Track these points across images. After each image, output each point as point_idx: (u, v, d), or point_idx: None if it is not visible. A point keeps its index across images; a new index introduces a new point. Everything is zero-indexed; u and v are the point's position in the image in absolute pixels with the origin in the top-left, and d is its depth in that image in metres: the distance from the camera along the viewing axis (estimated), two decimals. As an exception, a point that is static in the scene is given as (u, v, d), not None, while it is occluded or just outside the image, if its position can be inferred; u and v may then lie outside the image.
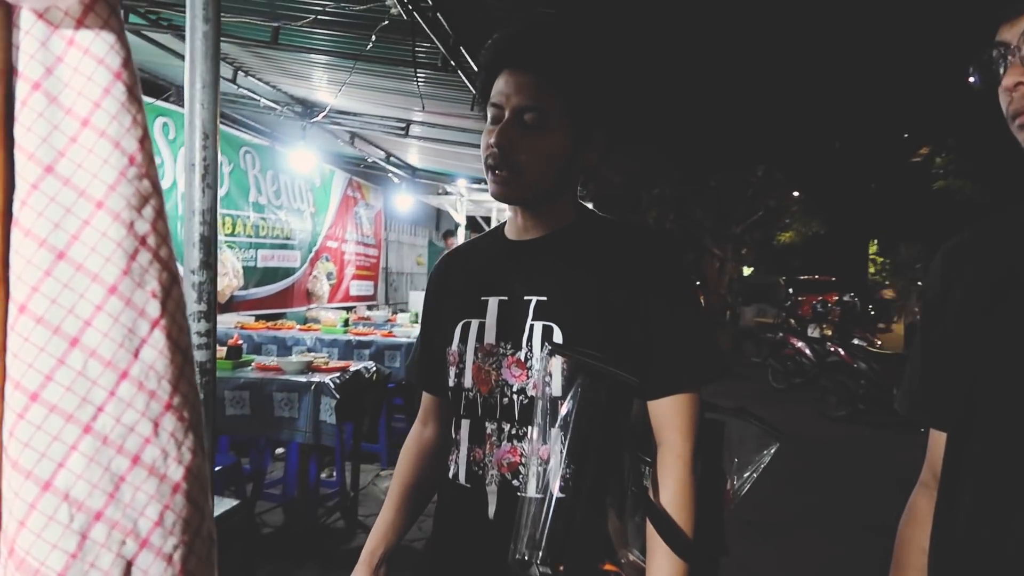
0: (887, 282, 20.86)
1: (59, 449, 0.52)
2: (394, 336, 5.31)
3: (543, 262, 1.23)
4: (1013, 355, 0.88)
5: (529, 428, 1.19)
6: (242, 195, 6.14)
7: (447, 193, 9.51)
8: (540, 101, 1.16)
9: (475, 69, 3.65)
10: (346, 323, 5.65)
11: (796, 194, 24.29)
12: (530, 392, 1.19)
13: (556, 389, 1.16)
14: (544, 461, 1.15)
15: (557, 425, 1.15)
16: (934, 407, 1.02)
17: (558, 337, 1.17)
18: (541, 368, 1.17)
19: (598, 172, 1.32)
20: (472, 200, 9.70)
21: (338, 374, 3.56)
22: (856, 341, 8.80)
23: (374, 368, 3.98)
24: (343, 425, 3.57)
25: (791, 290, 19.12)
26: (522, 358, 1.20)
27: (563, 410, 1.14)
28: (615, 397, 1.12)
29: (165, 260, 0.57)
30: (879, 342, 9.61)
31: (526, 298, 1.21)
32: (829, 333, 9.68)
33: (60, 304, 0.52)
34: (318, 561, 3.47)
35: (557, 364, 1.16)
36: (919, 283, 13.86)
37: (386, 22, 2.84)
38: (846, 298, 11.53)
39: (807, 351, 9.43)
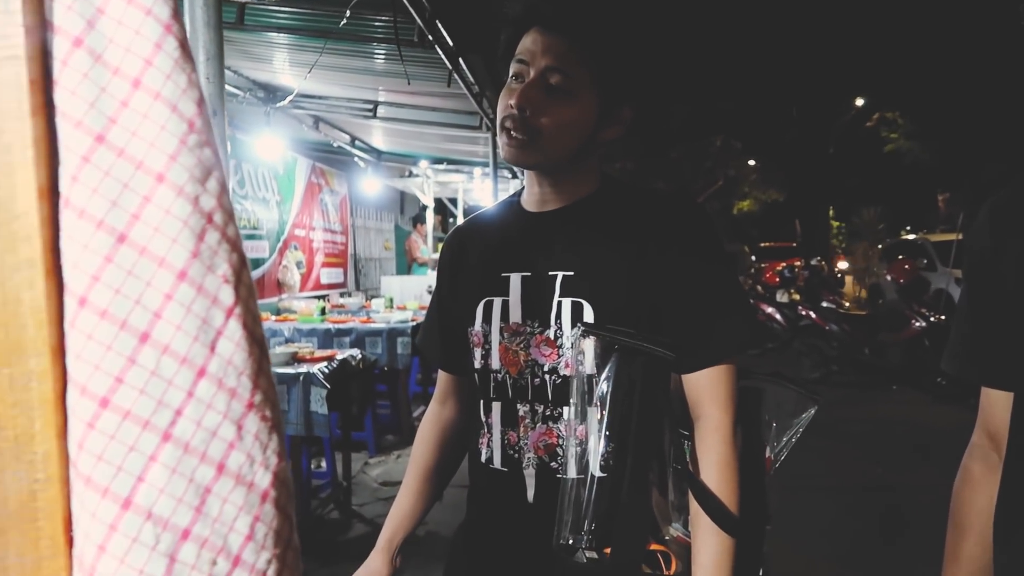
0: (842, 247, 21.25)
1: (137, 461, 0.45)
2: (373, 322, 5.23)
3: (566, 234, 1.18)
4: None
5: (564, 408, 1.14)
6: (206, 186, 5.94)
7: (413, 175, 9.38)
8: (570, 66, 1.10)
9: (451, 44, 3.57)
10: (323, 311, 5.53)
11: (752, 163, 24.55)
12: (562, 371, 1.14)
13: (590, 367, 1.11)
14: (582, 441, 1.10)
15: (593, 404, 1.10)
16: (993, 365, 0.99)
17: (588, 313, 1.12)
18: (573, 347, 1.12)
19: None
20: (438, 181, 9.59)
21: (325, 364, 3.47)
22: (825, 304, 8.93)
23: (360, 356, 3.91)
24: (330, 414, 3.50)
25: (753, 257, 19.38)
26: (551, 336, 1.15)
27: (599, 388, 1.09)
28: (651, 372, 1.08)
29: (233, 240, 0.50)
30: (847, 303, 9.75)
31: (551, 273, 1.16)
32: (797, 298, 9.81)
33: (125, 294, 0.45)
34: (315, 553, 3.40)
35: (590, 342, 1.11)
36: (879, 246, 14.12)
37: (362, -5, 2.74)
38: (813, 262, 11.69)
39: (778, 316, 9.53)
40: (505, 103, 1.13)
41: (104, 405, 0.44)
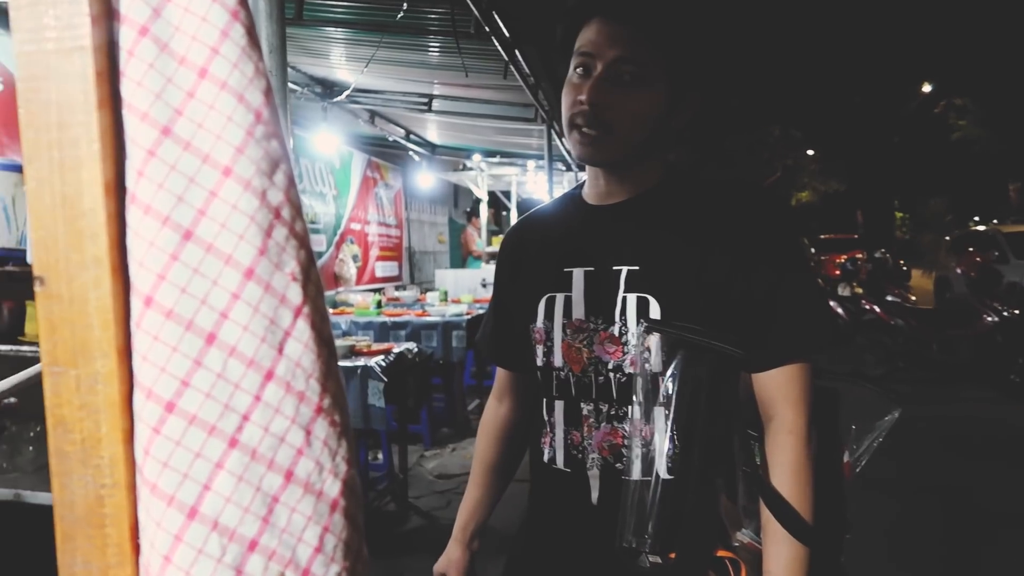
0: (908, 237, 20.55)
1: (203, 468, 0.43)
2: (428, 316, 5.24)
3: (631, 228, 1.13)
4: None
5: (629, 408, 1.10)
6: (265, 181, 6.05)
7: (467, 169, 9.40)
8: (640, 55, 1.05)
9: (507, 36, 3.54)
10: (379, 305, 5.57)
11: (811, 153, 23.93)
12: (627, 369, 1.10)
13: (656, 365, 1.06)
14: (647, 442, 1.06)
15: (659, 403, 1.06)
16: None
17: (655, 309, 1.08)
18: (638, 344, 1.08)
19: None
20: (492, 174, 9.59)
21: (382, 357, 3.49)
22: (890, 298, 8.64)
23: (416, 349, 3.92)
24: (388, 407, 3.52)
25: (813, 250, 18.89)
26: (616, 333, 1.11)
27: (665, 387, 1.05)
28: (720, 371, 1.03)
29: (301, 236, 0.47)
30: (913, 298, 9.42)
31: (615, 268, 1.11)
32: (860, 291, 9.52)
33: (191, 294, 0.43)
34: (372, 545, 3.41)
35: (655, 339, 1.07)
36: (947, 237, 13.60)
37: (419, -13, 2.73)
38: (877, 254, 11.33)
39: (839, 310, 9.26)
40: (573, 99, 1.09)
41: (170, 409, 0.42)
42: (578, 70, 1.10)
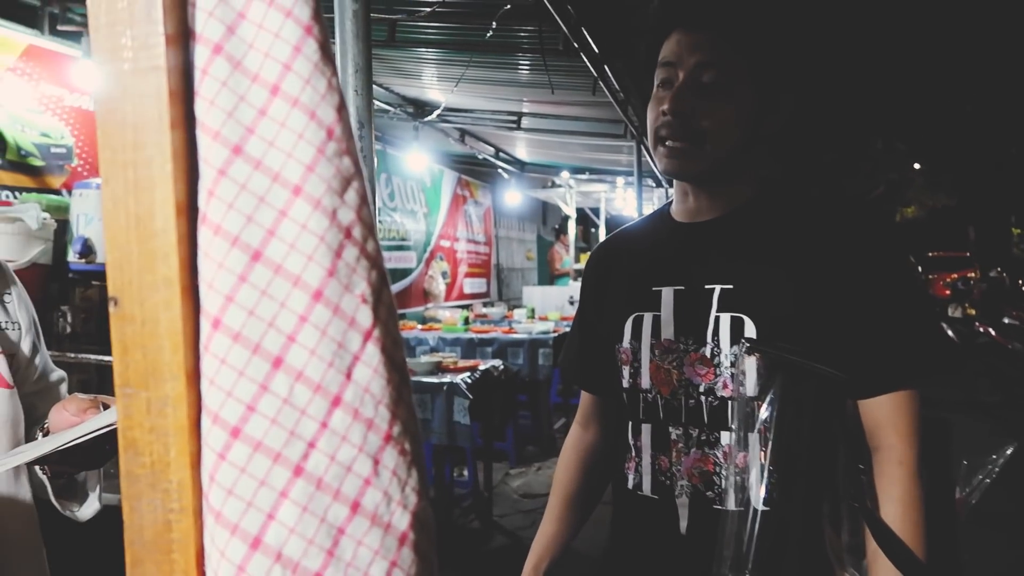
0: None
1: (267, 497, 0.41)
2: (515, 333, 5.24)
3: (725, 245, 1.08)
4: None
5: (721, 433, 1.05)
6: (358, 199, 6.23)
7: (555, 186, 9.40)
8: (721, 59, 1.01)
9: (596, 51, 3.52)
10: (466, 321, 5.62)
11: (917, 166, 22.81)
12: (720, 392, 1.05)
13: (752, 389, 1.01)
14: (743, 470, 1.01)
15: (756, 429, 1.01)
16: None
17: (750, 330, 1.03)
18: (736, 366, 1.03)
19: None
20: (580, 191, 9.56)
21: (468, 374, 3.50)
22: (1007, 320, 8.11)
23: (502, 367, 3.92)
24: (473, 424, 3.52)
25: (920, 268, 17.95)
26: (707, 354, 1.06)
27: (762, 413, 0.99)
28: (823, 396, 0.97)
29: (373, 256, 0.46)
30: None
31: (707, 287, 1.07)
32: (973, 313, 8.97)
33: (259, 316, 0.42)
34: (455, 563, 3.42)
35: (752, 361, 1.01)
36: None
37: (508, 6, 2.74)
38: (992, 274, 10.67)
39: (950, 333, 8.76)
40: (656, 111, 1.06)
41: (235, 435, 0.41)
42: (661, 83, 1.07)
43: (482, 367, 3.71)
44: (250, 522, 0.41)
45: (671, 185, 1.22)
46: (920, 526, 0.96)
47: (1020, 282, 11.31)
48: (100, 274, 2.84)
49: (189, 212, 0.44)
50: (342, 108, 0.46)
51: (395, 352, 0.46)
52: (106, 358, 2.24)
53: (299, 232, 0.43)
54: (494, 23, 3.03)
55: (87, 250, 2.84)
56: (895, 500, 0.97)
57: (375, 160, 1.11)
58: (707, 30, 1.03)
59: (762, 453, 0.98)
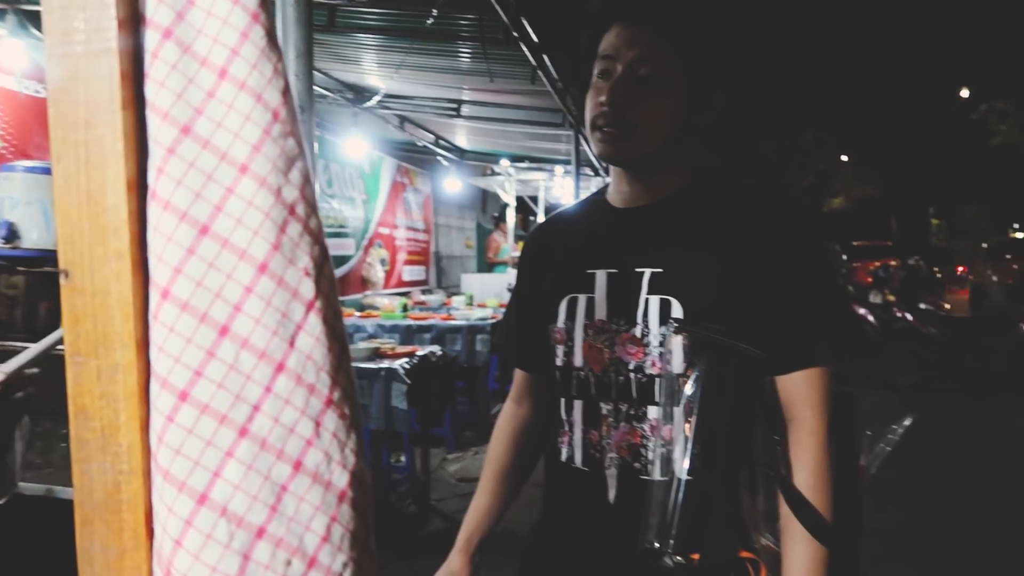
0: (943, 244, 20.18)
1: (214, 456, 0.44)
2: (454, 319, 5.27)
3: (656, 231, 1.14)
4: None
5: (649, 408, 1.11)
6: (295, 184, 6.13)
7: (495, 174, 9.42)
8: (657, 54, 1.06)
9: (536, 41, 3.55)
10: (404, 308, 5.62)
11: (845, 158, 23.60)
12: (648, 370, 1.10)
13: (678, 367, 1.07)
14: (668, 443, 1.07)
15: (681, 404, 1.07)
16: None
17: (677, 311, 1.08)
18: (663, 345, 1.08)
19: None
20: (520, 180, 9.60)
21: (406, 360, 3.52)
22: (923, 306, 8.51)
23: (440, 352, 3.94)
24: (411, 409, 3.54)
25: (845, 257, 18.61)
26: (637, 334, 1.11)
27: (687, 389, 1.06)
28: (743, 373, 1.03)
29: (315, 232, 0.49)
30: (947, 306, 9.26)
31: (638, 270, 1.12)
32: (892, 299, 9.38)
33: (206, 287, 0.45)
34: (393, 547, 3.44)
35: (678, 340, 1.07)
36: (984, 244, 13.33)
37: (449, -7, 2.75)
38: (911, 262, 11.16)
39: (870, 318, 9.14)
40: (595, 101, 1.10)
41: (183, 399, 0.44)
42: (600, 74, 1.11)
43: (420, 353, 3.73)
44: (197, 480, 0.44)
45: (608, 174, 1.26)
46: (828, 491, 1.03)
47: (935, 270, 11.88)
48: (26, 260, 2.75)
49: (139, 188, 0.46)
50: (287, 92, 0.49)
51: (336, 323, 0.49)
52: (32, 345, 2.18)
53: (245, 208, 0.46)
54: (434, 10, 3.03)
55: (12, 235, 2.74)
56: (806, 467, 1.04)
57: (315, 145, 1.12)
58: (645, 25, 1.07)
59: (686, 426, 1.04)
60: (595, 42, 1.12)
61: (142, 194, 0.46)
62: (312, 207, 0.49)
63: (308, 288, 0.48)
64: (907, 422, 1.19)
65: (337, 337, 0.49)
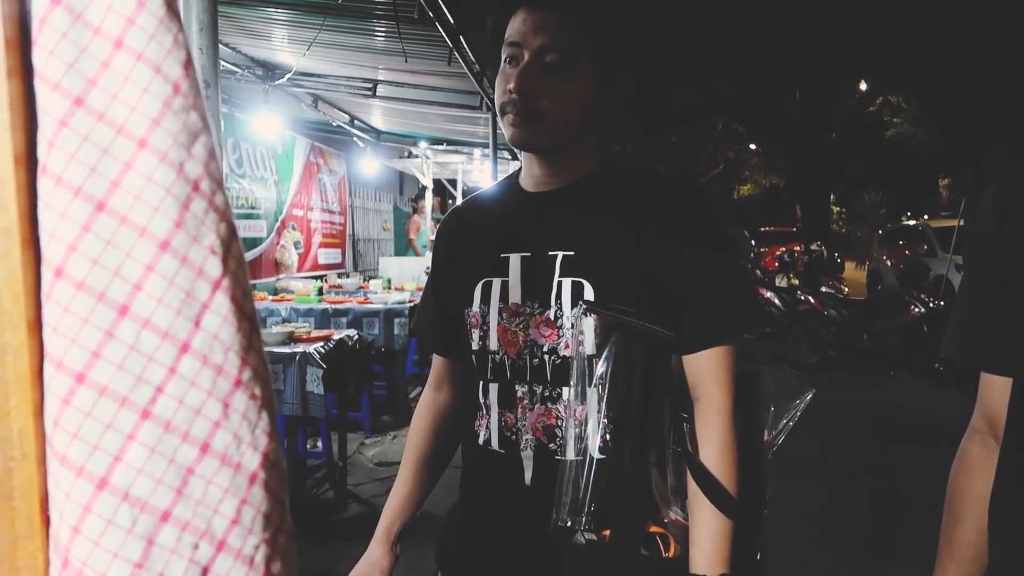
0: (843, 231, 21.20)
1: (114, 439, 0.43)
2: (371, 303, 5.21)
3: (566, 214, 1.16)
4: None
5: (563, 389, 1.13)
6: (203, 164, 5.91)
7: (412, 156, 9.33)
8: (563, 40, 1.07)
9: (452, 22, 3.53)
10: (320, 292, 5.51)
11: (753, 147, 24.45)
12: (562, 352, 1.13)
13: (590, 347, 1.10)
14: (582, 423, 1.09)
15: (593, 385, 1.09)
16: (992, 351, 0.98)
17: (589, 293, 1.11)
18: (574, 326, 1.11)
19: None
20: (438, 162, 9.54)
21: (322, 343, 3.46)
22: (824, 289, 8.93)
23: (356, 336, 3.89)
24: (327, 394, 3.49)
25: (753, 242, 19.33)
26: (551, 317, 1.13)
27: (599, 369, 1.08)
28: (652, 353, 1.06)
29: (222, 209, 0.47)
30: (846, 289, 9.75)
31: (551, 253, 1.14)
32: (796, 283, 9.80)
33: (103, 265, 0.43)
34: (311, 533, 3.40)
35: (590, 322, 1.10)
36: (880, 231, 14.08)
37: (361, -31, 2.69)
38: (813, 247, 11.67)
39: (776, 301, 9.52)
40: (503, 88, 1.11)
41: (80, 381, 0.42)
42: (508, 60, 1.12)
43: (336, 337, 3.67)
44: (96, 464, 0.42)
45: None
46: (733, 465, 1.08)
47: (836, 255, 12.47)
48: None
49: (28, 163, 0.44)
50: (189, 64, 0.47)
51: (245, 302, 0.48)
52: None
53: (145, 184, 0.44)
54: (348, -14, 2.96)
55: None
56: (711, 443, 1.08)
57: (222, 122, 1.09)
58: (551, 11, 1.08)
59: (599, 407, 1.07)
60: (501, 27, 1.13)
61: (32, 169, 0.43)
62: (218, 183, 0.47)
63: (214, 266, 0.46)
64: (808, 396, 1.25)
65: (246, 316, 0.48)
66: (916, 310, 7.49)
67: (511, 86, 1.08)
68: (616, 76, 1.14)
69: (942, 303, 7.41)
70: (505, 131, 1.14)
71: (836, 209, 24.14)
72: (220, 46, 4.50)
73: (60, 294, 0.43)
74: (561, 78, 1.08)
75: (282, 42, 4.53)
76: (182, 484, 0.45)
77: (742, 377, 1.16)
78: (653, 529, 1.10)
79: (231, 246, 0.48)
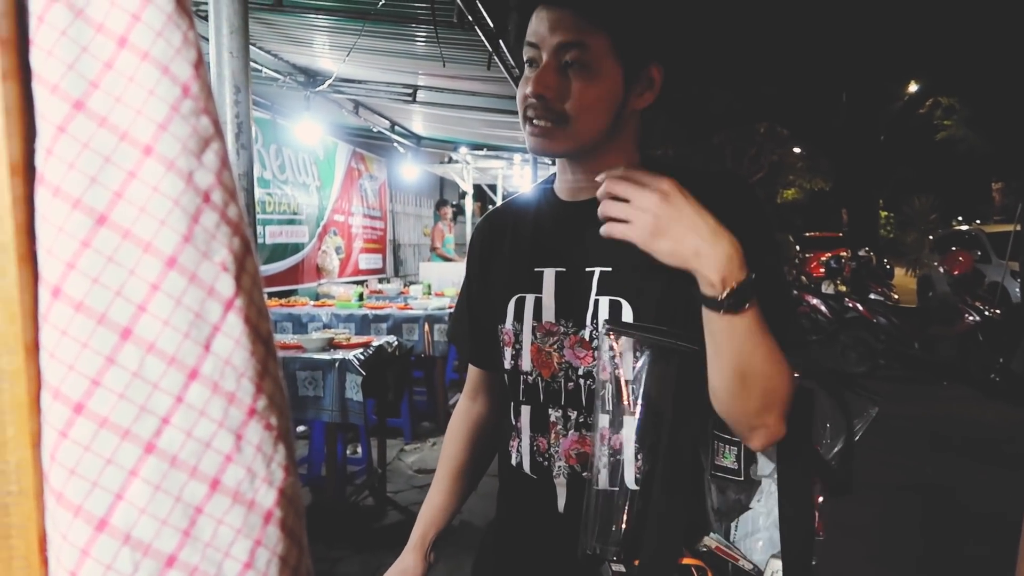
0: (892, 236, 20.69)
1: (115, 476, 0.39)
2: (411, 309, 5.20)
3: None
4: None
5: (599, 416, 1.07)
6: (246, 170, 5.98)
7: (452, 161, 9.33)
8: (583, 37, 0.99)
9: (491, 26, 3.49)
10: (360, 297, 5.53)
11: (798, 150, 24.00)
12: (599, 376, 1.07)
13: (628, 372, 1.03)
14: (616, 451, 1.03)
15: (629, 410, 1.03)
16: None
17: (627, 314, 1.04)
18: (608, 348, 1.04)
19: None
20: (478, 167, 9.53)
21: (361, 350, 3.44)
22: (873, 296, 8.69)
23: (396, 343, 3.87)
24: (366, 401, 3.47)
25: (798, 247, 18.96)
26: (586, 337, 1.07)
27: (630, 391, 1.02)
28: (686, 372, 0.99)
29: (235, 222, 0.43)
30: (896, 296, 9.48)
31: (587, 269, 1.08)
32: (844, 289, 9.55)
33: (104, 284, 0.39)
34: (350, 540, 3.38)
35: (627, 343, 1.03)
36: (931, 236, 13.69)
37: (400, -26, 2.67)
38: (861, 253, 11.38)
39: (823, 308, 9.29)
40: (522, 93, 1.04)
41: (78, 411, 0.38)
42: (528, 63, 1.06)
43: (375, 343, 3.66)
44: (95, 503, 0.39)
45: None
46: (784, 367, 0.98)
47: (885, 260, 12.14)
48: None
49: (26, 172, 0.40)
50: (200, 64, 0.43)
51: (260, 323, 0.44)
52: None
53: (150, 195, 0.40)
54: (387, -9, 2.95)
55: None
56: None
57: (252, 129, 1.05)
58: (566, 5, 1.00)
59: (633, 433, 1.01)
60: (522, 28, 1.06)
61: (29, 179, 0.40)
62: (231, 194, 0.43)
63: (226, 285, 0.42)
64: (872, 413, 1.17)
65: (262, 339, 0.44)
66: (970, 318, 7.23)
67: (528, 90, 1.02)
68: (643, 68, 1.07)
69: (998, 311, 7.13)
70: (526, 140, 1.07)
71: (884, 214, 23.57)
72: (262, 53, 4.54)
73: (57, 316, 0.39)
74: (583, 77, 1.00)
75: (323, 48, 4.54)
76: (189, 525, 0.41)
77: (795, 395, 1.09)
78: (687, 561, 1.04)
79: (245, 262, 0.44)
